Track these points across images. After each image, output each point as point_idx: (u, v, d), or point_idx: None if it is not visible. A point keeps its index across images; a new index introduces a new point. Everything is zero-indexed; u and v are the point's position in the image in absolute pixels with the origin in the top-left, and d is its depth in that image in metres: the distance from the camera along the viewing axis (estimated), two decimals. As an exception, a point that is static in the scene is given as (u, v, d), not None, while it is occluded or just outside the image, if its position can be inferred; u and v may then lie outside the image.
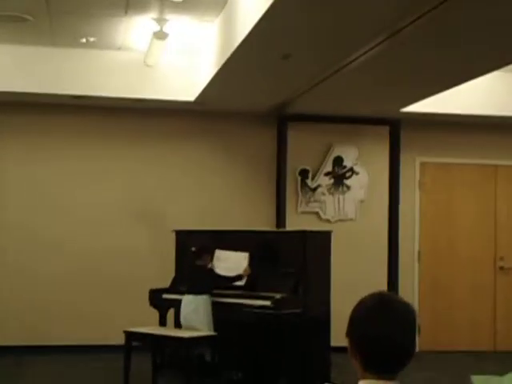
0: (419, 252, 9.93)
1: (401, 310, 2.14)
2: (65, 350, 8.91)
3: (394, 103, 8.81)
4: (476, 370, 8.65)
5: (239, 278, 7.42)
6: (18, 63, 8.45)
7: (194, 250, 7.55)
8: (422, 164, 10.03)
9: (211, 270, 7.43)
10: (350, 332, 2.15)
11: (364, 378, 2.13)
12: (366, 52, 6.44)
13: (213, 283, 7.36)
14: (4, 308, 9.00)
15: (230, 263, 7.59)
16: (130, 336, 7.28)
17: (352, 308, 2.18)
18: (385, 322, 2.09)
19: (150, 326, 7.53)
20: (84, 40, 8.14)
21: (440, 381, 8.04)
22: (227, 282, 7.43)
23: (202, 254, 7.45)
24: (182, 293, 7.41)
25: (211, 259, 7.54)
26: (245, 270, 7.42)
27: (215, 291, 7.43)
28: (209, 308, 7.27)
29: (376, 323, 2.10)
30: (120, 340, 7.33)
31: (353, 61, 6.76)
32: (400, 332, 2.10)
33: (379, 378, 2.11)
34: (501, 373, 8.53)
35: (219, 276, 7.39)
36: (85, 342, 9.08)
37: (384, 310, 2.12)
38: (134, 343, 7.28)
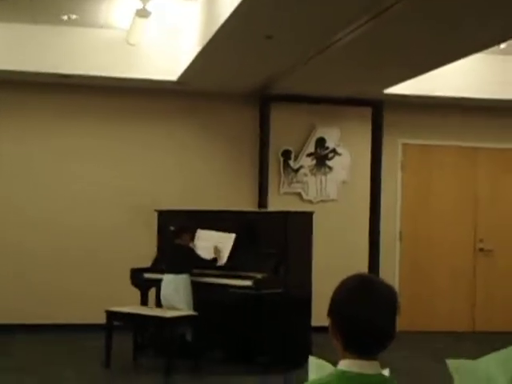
0: (400, 233, 9.98)
1: (382, 292, 2.15)
2: (46, 329, 8.89)
3: (377, 84, 8.82)
4: (454, 349, 8.77)
5: (215, 260, 7.43)
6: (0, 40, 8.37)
7: (173, 230, 7.55)
8: (404, 145, 10.06)
9: (190, 250, 7.44)
10: (331, 312, 2.16)
11: (344, 357, 2.14)
12: (349, 33, 6.43)
13: (192, 263, 7.38)
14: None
15: (213, 243, 7.59)
16: (111, 315, 7.29)
17: (333, 288, 2.19)
18: (366, 304, 2.11)
19: (131, 305, 7.54)
20: (65, 17, 8.07)
21: (418, 359, 8.11)
22: (204, 263, 7.45)
23: (182, 234, 7.46)
24: (163, 272, 7.42)
25: (191, 239, 7.55)
26: (215, 252, 7.43)
27: (197, 271, 7.45)
28: (188, 287, 7.29)
29: (357, 304, 2.11)
30: (101, 319, 7.34)
31: (336, 41, 6.74)
32: (381, 314, 2.11)
33: (360, 357, 2.12)
34: (478, 354, 8.61)
35: (198, 257, 7.41)
36: (66, 321, 9.07)
37: (365, 291, 2.13)
38: (116, 323, 7.29)
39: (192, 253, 7.45)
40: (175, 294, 7.23)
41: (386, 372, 2.19)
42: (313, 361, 2.76)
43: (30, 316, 9.02)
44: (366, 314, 2.10)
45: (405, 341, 9.01)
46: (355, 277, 2.19)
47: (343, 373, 2.13)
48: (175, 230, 7.54)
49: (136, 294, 7.84)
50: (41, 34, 8.43)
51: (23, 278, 9.07)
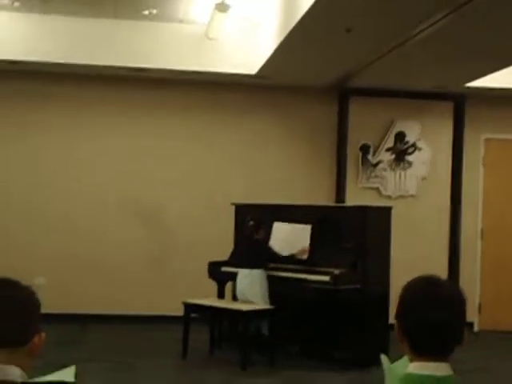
0: (482, 230, 9.75)
1: (448, 294, 2.12)
2: (123, 320, 9.04)
3: (459, 78, 8.63)
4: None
5: (292, 257, 7.40)
6: (80, 35, 8.51)
7: (251, 224, 7.57)
8: (487, 140, 9.82)
9: (266, 245, 7.44)
10: (399, 316, 2.16)
11: (413, 360, 2.12)
12: (429, 26, 6.31)
13: (267, 257, 7.38)
14: (61, 276, 9.16)
15: (290, 235, 7.58)
16: (188, 307, 7.36)
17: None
18: (432, 307, 2.09)
19: (208, 298, 7.60)
20: (146, 12, 8.17)
21: (498, 359, 7.92)
22: (281, 259, 7.45)
23: (259, 229, 7.47)
24: (239, 266, 7.45)
25: (267, 234, 7.55)
26: (300, 251, 7.40)
27: (274, 265, 7.45)
28: (264, 282, 7.30)
29: (425, 307, 2.09)
30: (179, 311, 7.42)
31: (416, 34, 6.63)
32: (448, 315, 2.09)
33: (429, 360, 2.10)
34: None
35: (274, 252, 7.42)
36: (145, 312, 9.20)
37: (432, 293, 2.11)
38: (193, 315, 7.36)
39: (268, 248, 7.45)
40: (251, 289, 7.25)
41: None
42: (385, 359, 2.74)
43: (107, 306, 9.18)
44: (433, 316, 2.08)
45: (486, 340, 8.85)
46: (421, 279, 2.18)
47: (410, 376, 2.11)
48: (253, 225, 7.56)
49: (214, 287, 7.90)
50: (122, 28, 8.55)
51: (100, 267, 9.22)
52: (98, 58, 8.57)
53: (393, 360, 2.33)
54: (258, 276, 7.29)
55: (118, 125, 9.39)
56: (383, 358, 2.65)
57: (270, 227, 7.73)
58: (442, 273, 9.29)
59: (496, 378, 6.99)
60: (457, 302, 2.13)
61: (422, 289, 2.13)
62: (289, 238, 7.58)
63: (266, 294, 7.31)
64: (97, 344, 7.99)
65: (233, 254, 7.97)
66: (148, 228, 9.33)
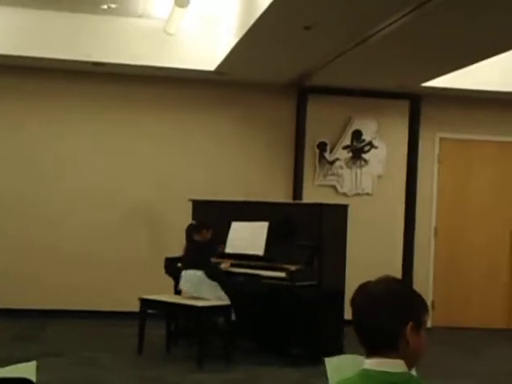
0: (436, 228, 9.90)
1: (374, 292, 2.17)
2: (80, 316, 9.00)
3: (416, 78, 8.74)
4: (488, 345, 8.71)
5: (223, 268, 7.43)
6: (37, 28, 8.43)
7: (193, 225, 7.56)
8: (442, 140, 9.96)
9: (207, 246, 7.41)
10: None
11: (369, 356, 2.18)
12: (388, 25, 6.38)
13: (209, 259, 7.37)
14: (22, 272, 9.08)
15: (248, 233, 7.61)
16: (145, 303, 7.35)
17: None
18: (361, 313, 2.17)
19: (165, 294, 7.59)
20: (105, 6, 8.11)
21: (451, 355, 8.06)
22: (239, 255, 7.47)
23: (201, 230, 7.44)
24: (183, 267, 7.45)
25: (211, 234, 7.49)
26: (226, 265, 7.43)
27: (234, 262, 7.46)
28: (206, 282, 7.24)
29: (356, 314, 2.18)
30: (135, 307, 7.40)
31: (375, 33, 6.70)
32: (374, 322, 2.13)
33: (382, 356, 2.14)
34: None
35: (214, 251, 7.42)
36: (100, 308, 9.15)
37: (358, 295, 2.19)
38: (149, 310, 7.34)
39: (207, 250, 7.42)
40: (193, 291, 7.23)
41: (413, 371, 2.20)
42: (330, 361, 2.82)
43: (64, 302, 9.12)
44: (364, 322, 2.15)
45: (438, 336, 8.99)
46: (362, 284, 2.23)
47: (366, 371, 2.15)
48: (195, 226, 7.55)
49: (170, 282, 7.90)
50: (80, 22, 8.48)
51: (59, 262, 9.16)
52: (55, 52, 8.49)
53: (348, 354, 2.38)
54: (199, 278, 7.27)
55: (75, 119, 9.31)
56: (327, 360, 2.72)
57: (228, 224, 7.74)
58: (396, 270, 9.41)
59: (449, 372, 7.11)
60: (386, 299, 2.15)
61: (357, 294, 2.20)
62: (247, 236, 7.61)
63: (216, 292, 7.26)
64: (55, 339, 7.94)
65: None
66: (108, 221, 9.29)
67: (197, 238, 7.43)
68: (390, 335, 2.15)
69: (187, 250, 7.50)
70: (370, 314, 2.14)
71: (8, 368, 1.95)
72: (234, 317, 7.18)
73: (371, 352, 2.16)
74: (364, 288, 2.19)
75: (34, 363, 1.98)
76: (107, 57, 8.61)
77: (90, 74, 9.16)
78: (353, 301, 2.20)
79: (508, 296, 9.96)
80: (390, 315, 2.15)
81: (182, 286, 7.35)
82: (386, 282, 2.22)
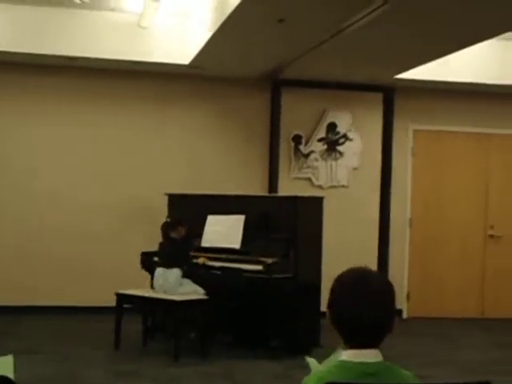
0: (410, 219, 9.96)
1: (376, 286, 2.18)
2: (55, 311, 8.95)
3: (389, 70, 8.78)
4: (463, 335, 8.80)
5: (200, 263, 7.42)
6: (9, 22, 8.36)
7: (168, 222, 7.54)
8: (415, 131, 10.02)
9: (183, 244, 7.40)
10: (329, 306, 2.23)
11: (346, 347, 2.20)
12: (361, 18, 6.40)
13: (185, 257, 7.36)
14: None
15: (224, 226, 7.61)
16: (121, 298, 7.33)
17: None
18: (359, 301, 2.15)
19: (141, 288, 7.57)
20: (78, 0, 8.05)
21: (428, 344, 8.13)
22: (215, 249, 7.48)
23: (177, 226, 7.43)
24: (157, 264, 7.44)
25: (186, 231, 7.48)
26: (202, 260, 7.43)
27: (210, 255, 7.46)
28: (178, 281, 7.23)
29: (349, 301, 2.16)
30: (111, 302, 7.38)
31: (348, 26, 6.72)
32: (372, 309, 2.15)
33: (360, 347, 2.17)
34: (486, 340, 8.65)
35: (188, 253, 7.41)
36: (76, 303, 9.12)
37: (357, 287, 2.17)
38: (126, 305, 7.33)
39: (184, 247, 7.42)
40: (166, 288, 7.21)
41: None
42: (311, 360, 2.84)
43: (39, 298, 9.07)
44: (358, 310, 2.14)
45: (414, 327, 9.07)
46: (349, 272, 2.23)
47: (344, 362, 2.18)
48: (170, 223, 7.53)
49: (146, 276, 7.88)
50: (52, 16, 8.41)
51: (31, 258, 9.11)
52: (27, 47, 8.43)
53: (325, 346, 2.41)
54: (174, 276, 7.26)
55: (50, 113, 9.25)
56: (309, 360, 2.73)
57: (204, 218, 7.73)
58: (372, 262, 9.47)
59: (426, 362, 7.16)
60: (385, 295, 2.18)
61: (352, 282, 2.19)
62: (223, 229, 7.61)
63: (193, 287, 7.26)
64: (30, 336, 7.89)
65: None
66: (82, 215, 9.25)
67: (173, 235, 7.42)
68: (387, 329, 2.17)
69: (164, 246, 7.48)
70: (373, 307, 2.14)
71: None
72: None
73: (358, 345, 2.16)
74: (362, 281, 2.18)
75: (10, 358, 1.96)
76: (80, 51, 8.55)
77: (63, 68, 9.10)
78: (347, 293, 2.17)
79: (481, 285, 10.06)
80: (391, 309, 2.18)
81: (156, 283, 7.33)
82: (379, 275, 2.24)
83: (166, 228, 7.49)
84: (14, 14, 8.35)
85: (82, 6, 8.22)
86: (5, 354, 2.16)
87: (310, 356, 3.07)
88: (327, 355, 2.62)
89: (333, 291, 2.22)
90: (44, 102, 9.23)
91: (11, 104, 9.17)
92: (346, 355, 2.18)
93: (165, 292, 7.17)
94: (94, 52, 8.57)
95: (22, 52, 8.47)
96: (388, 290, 2.20)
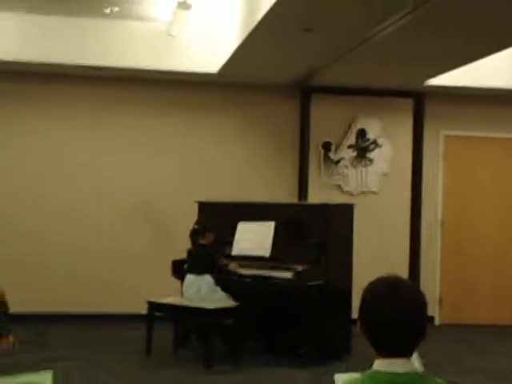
0: (442, 224, 9.88)
1: (408, 294, 2.17)
2: (87, 319, 9.01)
3: (419, 76, 8.75)
4: (496, 343, 8.70)
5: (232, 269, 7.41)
6: (41, 33, 8.45)
7: (196, 228, 7.53)
8: (446, 137, 9.96)
9: (211, 251, 7.39)
10: (360, 315, 2.21)
11: (378, 357, 2.18)
12: (389, 24, 6.39)
13: (214, 263, 7.35)
14: (26, 273, 9.10)
15: (254, 233, 7.61)
16: (152, 306, 7.36)
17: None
18: (392, 308, 2.12)
19: (172, 296, 7.60)
20: (108, 10, 8.12)
21: (460, 352, 8.05)
22: (246, 257, 7.47)
23: (206, 233, 7.43)
24: (188, 272, 7.44)
25: (215, 237, 7.47)
26: (234, 266, 7.42)
27: (239, 263, 7.47)
28: (211, 287, 7.24)
29: (384, 310, 2.13)
30: (143, 310, 7.41)
31: (376, 33, 6.70)
32: (408, 317, 2.13)
33: (393, 357, 2.15)
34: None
35: (216, 261, 7.39)
36: (108, 311, 9.17)
37: (392, 295, 2.15)
38: (157, 313, 7.35)
39: (214, 253, 7.42)
40: (198, 295, 7.23)
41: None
42: (339, 377, 2.83)
43: (70, 305, 9.13)
44: (394, 318, 2.12)
45: (446, 334, 8.99)
46: (381, 280, 2.21)
47: (375, 372, 2.16)
48: (198, 230, 7.52)
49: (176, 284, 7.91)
50: (83, 26, 8.50)
51: (64, 267, 9.18)
52: (58, 57, 8.51)
53: (356, 353, 2.40)
54: (205, 282, 7.27)
55: (79, 124, 9.33)
56: (337, 377, 2.73)
57: (234, 226, 7.74)
58: (403, 267, 9.42)
59: (458, 369, 7.10)
60: (417, 303, 2.16)
61: (383, 290, 2.17)
62: (253, 237, 7.62)
63: (220, 298, 7.28)
64: (61, 344, 7.94)
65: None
66: (113, 224, 9.31)
67: (202, 241, 7.43)
68: (419, 337, 2.17)
69: (193, 253, 7.50)
70: (405, 315, 2.12)
71: (24, 376, 1.95)
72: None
73: (389, 353, 2.15)
74: (393, 289, 2.16)
75: (50, 372, 1.97)
76: (110, 61, 8.62)
77: (92, 78, 9.17)
78: (379, 301, 2.15)
79: (515, 292, 9.95)
80: (423, 317, 2.17)
81: (188, 290, 7.34)
82: (410, 283, 2.23)
83: (194, 235, 7.50)
84: (46, 25, 8.44)
85: (112, 15, 8.29)
86: (37, 363, 2.19)
87: (342, 362, 3.06)
88: (358, 362, 2.61)
89: (364, 299, 2.20)
90: (74, 113, 9.30)
91: (42, 114, 9.26)
92: (378, 365, 2.17)
93: (199, 299, 7.17)
94: (124, 61, 8.64)
95: (51, 63, 8.54)
96: (420, 298, 2.19)
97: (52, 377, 1.96)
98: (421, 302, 2.18)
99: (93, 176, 9.33)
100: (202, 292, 7.22)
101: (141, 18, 8.46)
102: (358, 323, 2.22)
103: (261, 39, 7.12)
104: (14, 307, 8.78)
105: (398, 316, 2.12)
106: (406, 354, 2.16)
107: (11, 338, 2.04)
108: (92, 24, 8.50)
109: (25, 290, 8.97)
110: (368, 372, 2.18)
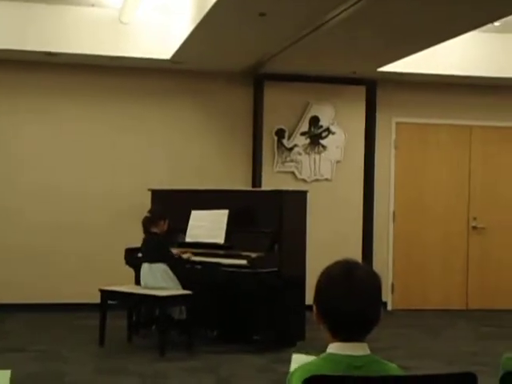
0: (394, 212, 9.99)
1: (364, 279, 2.18)
2: (40, 308, 8.91)
3: (371, 63, 8.80)
4: (447, 326, 8.84)
5: (180, 258, 7.37)
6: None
7: (148, 217, 7.46)
8: (398, 124, 10.05)
9: (164, 239, 7.36)
10: (315, 300, 2.22)
11: (332, 341, 2.19)
12: (343, 10, 6.40)
13: (167, 251, 7.32)
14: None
15: (208, 221, 7.59)
16: (105, 294, 7.31)
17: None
18: (348, 293, 2.14)
19: (125, 284, 7.55)
20: (58, -4, 8.01)
21: (412, 336, 8.16)
22: (199, 244, 7.45)
23: (158, 221, 7.37)
24: (142, 260, 7.41)
25: (168, 225, 7.43)
26: (188, 255, 7.40)
27: (193, 250, 7.45)
28: (166, 275, 7.23)
29: (337, 294, 2.15)
30: (96, 299, 7.36)
31: (330, 19, 6.72)
32: (361, 302, 2.15)
33: (347, 341, 2.17)
34: (471, 331, 8.69)
35: (169, 249, 7.36)
36: (61, 300, 9.08)
37: (345, 280, 2.16)
38: (110, 302, 7.31)
39: (168, 240, 7.38)
40: (154, 283, 7.20)
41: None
42: (296, 357, 2.83)
43: (23, 295, 9.03)
44: (346, 303, 2.13)
45: (398, 318, 9.11)
46: (337, 265, 2.22)
47: (331, 355, 2.18)
48: (150, 218, 7.46)
49: (132, 272, 7.86)
50: (32, 11, 8.36)
51: (12, 253, 9.06)
52: (7, 42, 8.37)
53: (310, 339, 2.41)
54: (159, 270, 7.25)
55: (29, 111, 9.19)
56: (295, 356, 2.72)
57: (188, 213, 7.71)
58: (356, 254, 9.49)
59: (411, 353, 7.20)
60: (371, 288, 2.18)
61: (338, 275, 2.17)
62: (207, 224, 7.60)
63: (175, 285, 7.26)
64: (15, 334, 7.85)
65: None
66: (68, 213, 9.21)
67: (155, 230, 7.37)
68: (374, 321, 2.18)
69: (146, 242, 7.45)
70: (360, 300, 2.14)
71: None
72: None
73: (345, 338, 2.17)
74: (348, 273, 2.17)
75: (8, 372, 1.91)
76: (60, 46, 8.50)
77: (43, 64, 9.04)
78: (334, 286, 2.16)
79: (465, 277, 10.11)
80: (378, 301, 2.18)
81: (143, 279, 7.32)
82: (365, 266, 2.23)
83: (147, 223, 7.43)
84: (-6, 10, 8.29)
85: (62, 1, 8.17)
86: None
87: (296, 348, 3.07)
88: (312, 348, 2.62)
89: (319, 284, 2.20)
90: (23, 98, 9.17)
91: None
92: (334, 348, 2.18)
93: (155, 288, 7.14)
94: (74, 47, 8.52)
95: (1, 48, 8.40)
96: (375, 282, 2.19)
97: (10, 376, 1.91)
98: (375, 286, 2.19)
99: (42, 167, 9.20)
100: (158, 280, 7.19)
101: (92, 4, 8.34)
102: (314, 307, 2.22)
103: (214, 24, 7.08)
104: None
105: (351, 301, 2.13)
106: (361, 338, 2.18)
107: None
108: (42, 9, 8.36)
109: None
110: (324, 355, 2.19)
